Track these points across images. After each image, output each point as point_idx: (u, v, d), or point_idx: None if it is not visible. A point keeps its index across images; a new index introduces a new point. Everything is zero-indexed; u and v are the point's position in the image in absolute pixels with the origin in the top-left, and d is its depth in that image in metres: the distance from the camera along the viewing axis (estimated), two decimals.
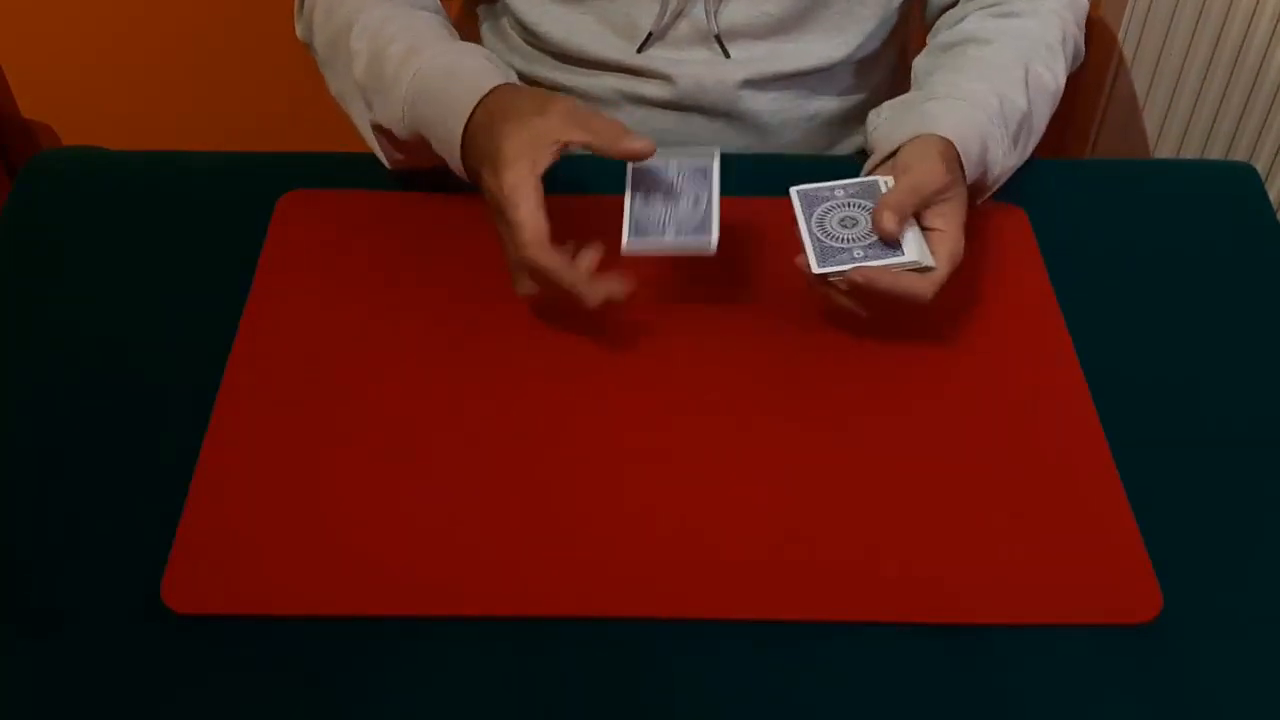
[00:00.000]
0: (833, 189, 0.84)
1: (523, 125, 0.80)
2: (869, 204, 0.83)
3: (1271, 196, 1.14)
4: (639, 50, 1.00)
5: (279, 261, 0.91)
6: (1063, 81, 0.97)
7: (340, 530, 0.74)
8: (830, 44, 1.01)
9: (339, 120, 0.96)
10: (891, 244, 0.80)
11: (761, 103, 1.03)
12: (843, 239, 0.81)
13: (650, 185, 0.83)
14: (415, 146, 0.89)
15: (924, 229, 0.82)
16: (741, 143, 1.05)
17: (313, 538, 0.74)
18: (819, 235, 0.82)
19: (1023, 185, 0.97)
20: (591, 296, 0.79)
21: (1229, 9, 1.30)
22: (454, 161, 0.85)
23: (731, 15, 0.98)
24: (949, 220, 0.82)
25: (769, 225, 0.92)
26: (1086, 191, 1.00)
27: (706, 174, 0.84)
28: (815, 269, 0.81)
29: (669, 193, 0.83)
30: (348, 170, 0.98)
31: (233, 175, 0.99)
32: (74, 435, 0.80)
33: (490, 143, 0.80)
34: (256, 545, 0.74)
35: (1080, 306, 0.88)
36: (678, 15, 0.98)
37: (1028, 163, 0.99)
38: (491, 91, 0.83)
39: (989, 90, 0.90)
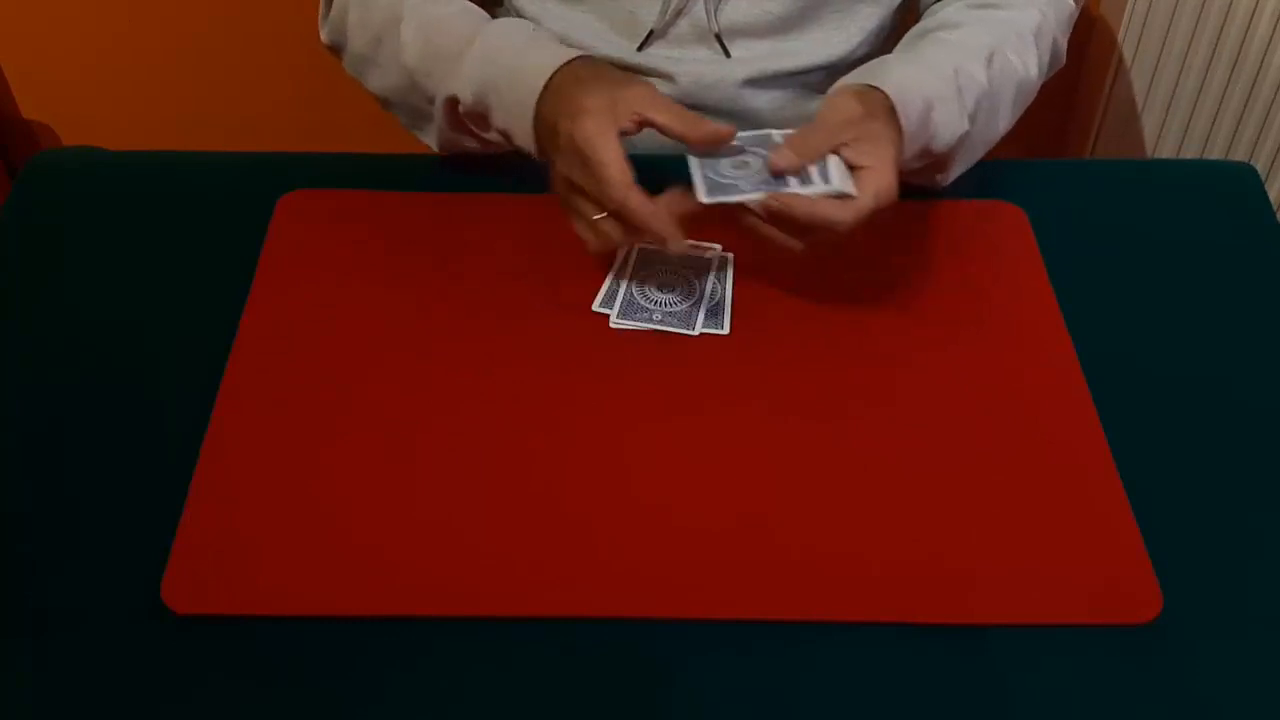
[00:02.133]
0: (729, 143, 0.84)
1: (610, 88, 0.82)
2: (762, 150, 0.83)
3: (1271, 196, 1.14)
4: (640, 48, 1.00)
5: (279, 261, 0.91)
6: (1034, 73, 0.96)
7: (340, 530, 0.74)
8: (831, 42, 1.01)
9: (339, 120, 0.96)
10: (779, 179, 0.81)
11: (762, 101, 1.03)
12: (732, 177, 0.81)
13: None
14: (475, 116, 0.90)
15: (852, 168, 0.82)
16: None
17: (313, 538, 0.74)
18: (708, 174, 0.82)
19: (1023, 185, 0.97)
20: (677, 237, 0.80)
21: (1229, 9, 1.30)
22: (523, 119, 0.85)
23: (732, 13, 0.98)
24: (876, 157, 0.82)
25: None
26: (1086, 191, 1.00)
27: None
28: (702, 199, 0.80)
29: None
30: (348, 170, 0.98)
31: (233, 175, 0.99)
32: (74, 435, 0.80)
33: (573, 97, 0.82)
34: (256, 545, 0.74)
35: (1080, 306, 0.88)
36: (679, 13, 0.98)
37: (1028, 163, 0.99)
38: (577, 58, 0.85)
39: (945, 60, 0.90)
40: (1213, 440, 0.81)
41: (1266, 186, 1.04)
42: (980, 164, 0.96)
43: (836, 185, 0.80)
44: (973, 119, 0.90)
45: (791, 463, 0.78)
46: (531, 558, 0.73)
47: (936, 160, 0.92)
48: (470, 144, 0.94)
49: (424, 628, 0.71)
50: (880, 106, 0.84)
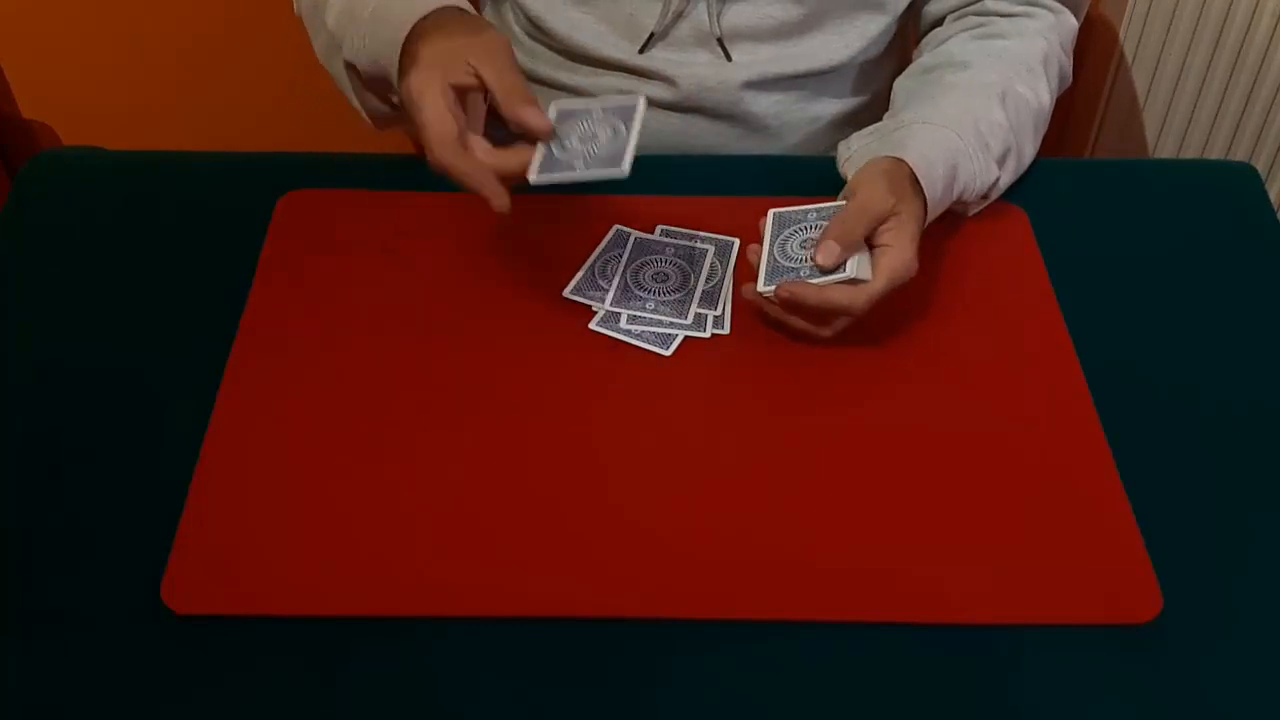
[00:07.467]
0: (806, 212, 0.85)
1: (447, 38, 0.80)
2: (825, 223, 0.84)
3: (1271, 196, 1.14)
4: (641, 50, 1.00)
5: (279, 261, 0.91)
6: (1047, 100, 0.97)
7: (340, 530, 0.74)
8: (833, 47, 1.01)
9: (339, 120, 0.95)
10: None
11: (764, 104, 1.03)
12: (796, 260, 0.83)
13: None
14: (377, 82, 0.88)
15: (872, 246, 0.83)
16: (743, 145, 1.05)
17: (313, 538, 0.74)
18: (776, 256, 0.83)
19: (1023, 185, 0.97)
20: (500, 198, 0.78)
21: (1229, 9, 1.30)
22: (393, 79, 0.83)
23: (735, 18, 0.98)
24: (896, 236, 0.83)
25: None
26: (1086, 191, 1.00)
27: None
28: (759, 287, 0.83)
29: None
30: (348, 170, 0.98)
31: (233, 175, 0.99)
32: (74, 435, 0.80)
33: (413, 49, 0.81)
34: (256, 545, 0.74)
35: (1080, 306, 0.89)
36: (679, 16, 0.98)
37: None
38: (440, 9, 0.83)
39: (961, 111, 0.90)
40: (1212, 440, 0.81)
41: (1266, 186, 1.04)
42: None
43: (851, 273, 0.81)
44: (1001, 163, 0.91)
45: (791, 462, 0.78)
46: (531, 558, 0.73)
47: (968, 204, 0.93)
48: (390, 112, 0.92)
49: (423, 628, 0.71)
50: (905, 180, 0.85)
